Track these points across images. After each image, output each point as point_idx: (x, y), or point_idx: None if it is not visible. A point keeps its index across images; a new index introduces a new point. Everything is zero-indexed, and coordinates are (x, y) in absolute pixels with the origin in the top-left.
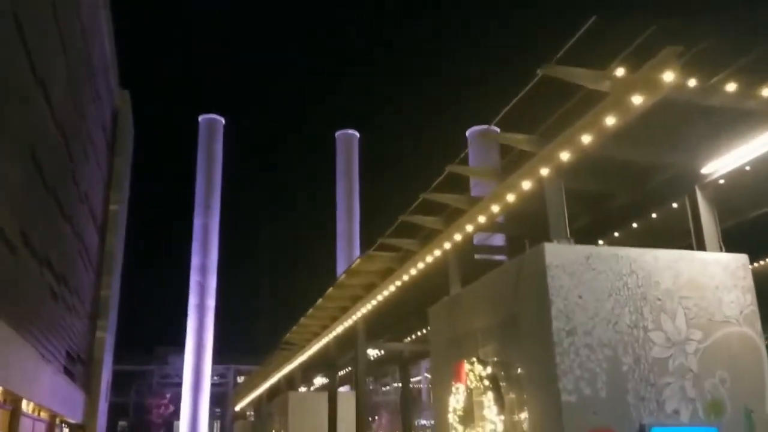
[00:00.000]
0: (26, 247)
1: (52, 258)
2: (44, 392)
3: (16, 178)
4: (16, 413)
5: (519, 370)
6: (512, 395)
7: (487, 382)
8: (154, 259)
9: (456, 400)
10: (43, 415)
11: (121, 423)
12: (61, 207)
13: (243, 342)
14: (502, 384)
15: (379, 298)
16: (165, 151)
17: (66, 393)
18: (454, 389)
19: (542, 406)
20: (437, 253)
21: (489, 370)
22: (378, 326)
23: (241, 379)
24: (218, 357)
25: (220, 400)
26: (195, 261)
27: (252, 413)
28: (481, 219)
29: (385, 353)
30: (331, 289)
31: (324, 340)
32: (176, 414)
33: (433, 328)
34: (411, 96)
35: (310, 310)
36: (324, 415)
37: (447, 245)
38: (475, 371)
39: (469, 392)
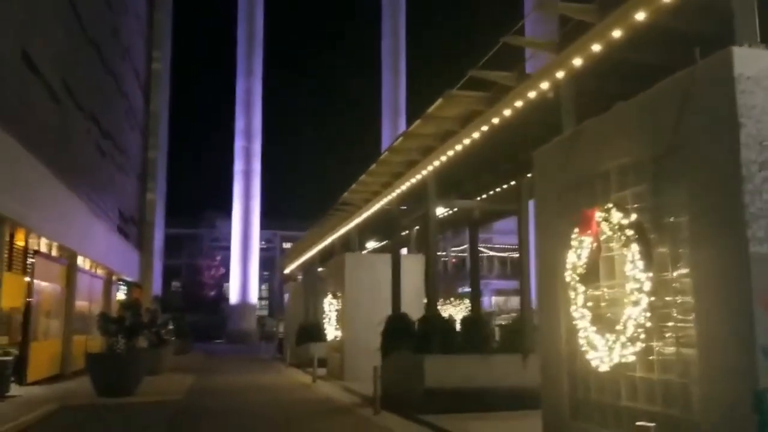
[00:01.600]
0: (70, 98)
1: (97, 113)
2: (99, 249)
3: (55, 27)
4: (72, 268)
5: (672, 218)
6: (662, 249)
7: (630, 232)
8: (198, 123)
9: (577, 256)
10: (100, 272)
11: (175, 284)
12: (102, 59)
13: (289, 208)
14: (650, 236)
15: (458, 147)
16: (205, 11)
17: (121, 251)
18: (575, 243)
19: (716, 260)
20: (544, 85)
21: (633, 217)
22: (448, 183)
23: (287, 245)
24: (265, 222)
25: (268, 264)
26: (239, 125)
27: (302, 276)
28: (616, 33)
29: (450, 214)
30: (399, 140)
31: (386, 199)
32: (226, 276)
33: (540, 175)
34: None
35: (373, 166)
36: (382, 276)
37: (559, 74)
38: (611, 220)
39: (596, 246)
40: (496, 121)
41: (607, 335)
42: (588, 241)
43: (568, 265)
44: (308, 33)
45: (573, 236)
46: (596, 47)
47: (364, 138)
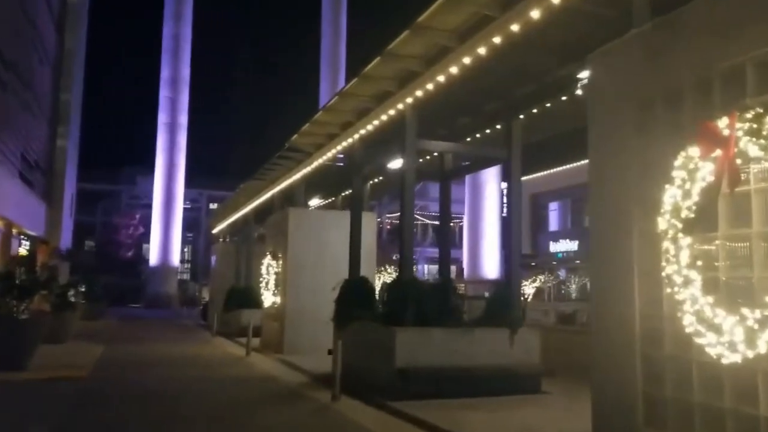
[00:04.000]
0: None
1: None
2: None
3: None
4: None
5: None
6: None
7: None
8: (120, 69)
9: (682, 193)
10: None
11: (88, 243)
12: None
13: (217, 167)
14: None
15: (453, 70)
16: None
17: (22, 200)
18: (680, 173)
19: None
20: None
21: None
22: (428, 122)
23: (214, 206)
24: (190, 180)
25: (192, 224)
26: (164, 73)
27: (233, 236)
28: None
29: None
30: (373, 63)
31: (345, 142)
32: (146, 236)
33: (600, 87)
34: None
35: (334, 100)
36: (331, 236)
37: None
38: (764, 128)
39: (724, 175)
40: (515, 28)
41: (745, 311)
42: (706, 168)
43: (666, 207)
44: None
45: (678, 162)
46: None
47: (300, 95)
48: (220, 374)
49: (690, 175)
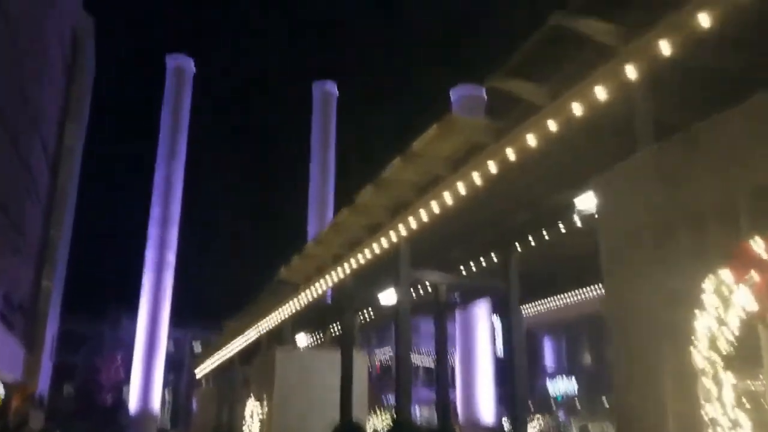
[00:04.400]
0: None
1: None
2: None
3: None
4: None
5: None
6: None
7: None
8: (110, 209)
9: (718, 322)
10: None
11: (68, 387)
12: (2, 119)
13: (202, 306)
14: None
15: (447, 198)
16: (128, 91)
17: (1, 344)
18: (714, 300)
19: None
20: (600, 91)
21: None
22: (421, 253)
23: (197, 346)
24: (174, 320)
25: (174, 366)
26: (155, 212)
27: (215, 380)
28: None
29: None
30: (367, 190)
31: (335, 274)
32: (127, 379)
33: (610, 209)
34: (394, 50)
35: (325, 230)
36: (319, 377)
37: (630, 69)
38: None
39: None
40: (511, 154)
41: None
42: (741, 293)
43: (701, 338)
44: (238, 116)
45: (708, 287)
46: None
47: (289, 234)
48: None
49: (723, 300)
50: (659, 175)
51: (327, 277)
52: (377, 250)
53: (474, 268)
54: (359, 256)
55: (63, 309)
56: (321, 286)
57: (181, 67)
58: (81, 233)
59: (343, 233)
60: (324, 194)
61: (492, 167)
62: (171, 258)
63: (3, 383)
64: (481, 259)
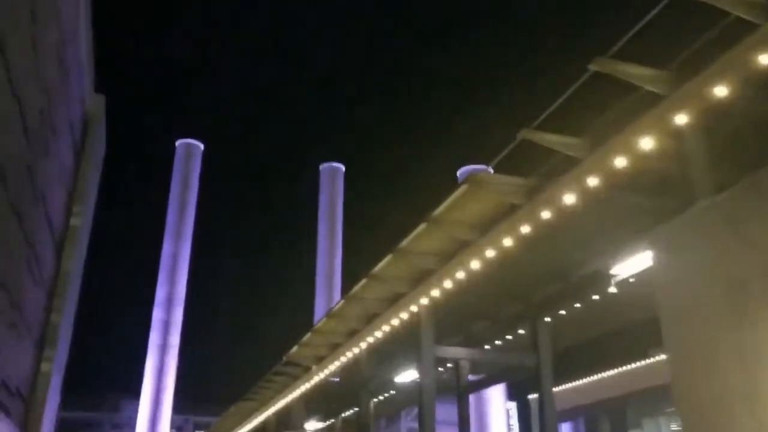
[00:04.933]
0: None
1: None
2: None
3: None
4: None
5: None
6: None
7: None
8: (115, 291)
9: None
10: None
11: None
12: (8, 196)
13: (205, 391)
14: None
15: (474, 265)
16: (137, 172)
17: None
18: None
19: None
20: (646, 141)
21: None
22: (442, 328)
23: None
24: (176, 406)
25: None
26: (160, 294)
27: None
28: None
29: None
30: (386, 260)
31: (350, 353)
32: None
33: (680, 263)
34: (400, 132)
35: (339, 305)
36: None
37: (680, 117)
38: None
39: None
40: (545, 214)
41: None
42: None
43: None
44: (247, 199)
45: None
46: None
47: (296, 320)
48: None
49: None
50: (728, 225)
51: (341, 354)
52: (396, 323)
53: (499, 343)
54: (376, 331)
55: (63, 395)
56: (333, 365)
57: (191, 150)
58: (84, 314)
59: (358, 306)
60: (331, 272)
61: (524, 229)
62: (175, 340)
63: None
64: (508, 335)
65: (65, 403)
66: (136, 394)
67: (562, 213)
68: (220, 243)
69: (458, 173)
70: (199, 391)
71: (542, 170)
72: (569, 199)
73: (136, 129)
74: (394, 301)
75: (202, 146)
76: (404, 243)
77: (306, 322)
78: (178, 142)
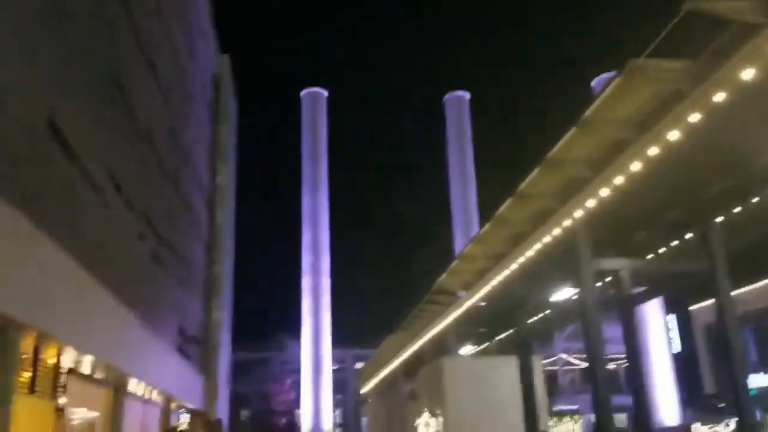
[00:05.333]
0: (118, 194)
1: (153, 217)
2: (154, 370)
3: (93, 101)
4: (119, 392)
5: None
6: None
7: None
8: (263, 240)
9: None
10: (156, 397)
11: (244, 413)
12: (160, 161)
13: (360, 326)
14: None
15: (635, 166)
16: (267, 125)
17: (181, 374)
18: None
19: None
20: None
21: None
22: (596, 242)
23: (360, 365)
24: (335, 341)
25: (340, 386)
26: (305, 240)
27: (382, 396)
28: None
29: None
30: (534, 173)
31: (501, 275)
32: (297, 401)
33: None
34: (525, 50)
35: (486, 227)
36: (493, 385)
37: None
38: None
39: None
40: (695, 117)
41: None
42: None
43: None
44: (373, 143)
45: None
46: None
47: (435, 249)
48: None
49: None
50: None
51: (490, 279)
52: (548, 240)
53: (663, 251)
54: (527, 252)
55: (232, 339)
56: (484, 290)
57: (316, 98)
58: (240, 264)
59: (505, 228)
60: (466, 202)
61: (693, 118)
62: (326, 283)
63: (187, 410)
64: (672, 240)
65: (236, 346)
66: (299, 332)
67: (739, 92)
68: (358, 188)
69: (593, 84)
70: (356, 326)
71: (710, 48)
72: (748, 74)
73: (262, 83)
74: (545, 217)
75: (326, 94)
76: (553, 152)
77: (447, 254)
78: (303, 93)
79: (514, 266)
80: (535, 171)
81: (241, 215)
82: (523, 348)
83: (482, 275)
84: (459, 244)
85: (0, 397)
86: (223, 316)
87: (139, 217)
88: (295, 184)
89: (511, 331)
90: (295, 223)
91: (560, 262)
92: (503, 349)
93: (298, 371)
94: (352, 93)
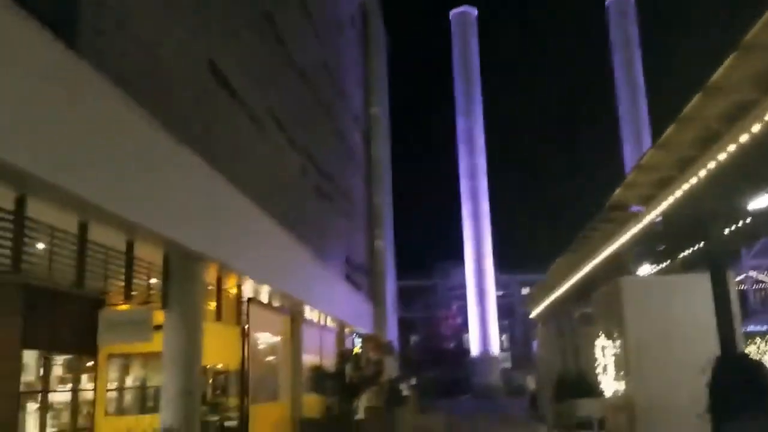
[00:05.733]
0: (279, 130)
1: (314, 151)
2: (326, 298)
3: (253, 42)
4: (297, 320)
5: None
6: None
7: None
8: (419, 168)
9: None
10: (330, 323)
11: (413, 338)
12: (316, 95)
13: (523, 251)
14: None
15: None
16: (417, 50)
17: (351, 301)
18: None
19: None
20: None
21: None
22: None
23: (525, 290)
24: (500, 268)
25: (506, 311)
26: (462, 165)
27: (552, 319)
28: None
29: None
30: (729, 60)
31: (685, 186)
32: (464, 327)
33: None
34: None
35: (670, 129)
36: (678, 307)
37: None
38: None
39: None
40: None
41: None
42: None
43: None
44: (527, 62)
45: None
46: None
47: (601, 166)
48: None
49: None
50: None
51: (674, 190)
52: (745, 140)
53: None
54: (719, 154)
55: (396, 267)
56: (664, 203)
57: (465, 18)
58: (398, 193)
59: (690, 129)
60: (636, 114)
61: None
62: (485, 207)
63: (359, 335)
64: None
65: (401, 275)
66: (461, 259)
67: None
68: (512, 109)
69: None
70: (519, 251)
71: None
72: None
73: (409, 5)
74: (742, 112)
75: (475, 12)
76: (751, 33)
77: (617, 170)
78: (452, 13)
79: (703, 173)
80: (729, 58)
81: (396, 144)
82: (716, 263)
83: (665, 186)
84: (629, 158)
85: (191, 324)
86: (387, 245)
87: (300, 152)
88: (449, 109)
89: (697, 247)
90: (452, 148)
91: (760, 163)
92: (687, 266)
93: (463, 297)
94: (503, 9)
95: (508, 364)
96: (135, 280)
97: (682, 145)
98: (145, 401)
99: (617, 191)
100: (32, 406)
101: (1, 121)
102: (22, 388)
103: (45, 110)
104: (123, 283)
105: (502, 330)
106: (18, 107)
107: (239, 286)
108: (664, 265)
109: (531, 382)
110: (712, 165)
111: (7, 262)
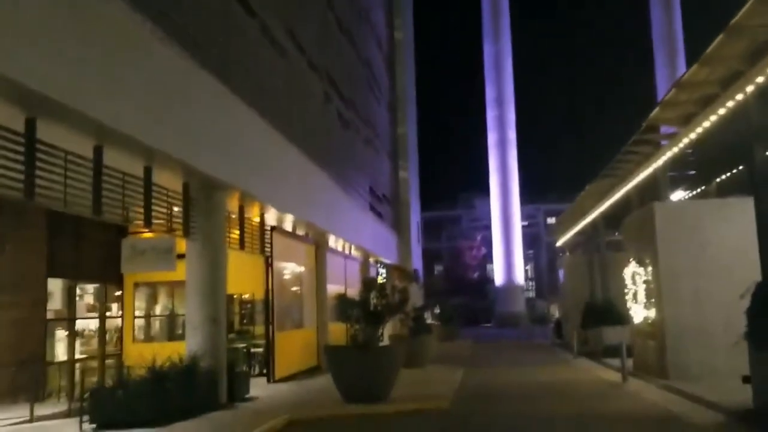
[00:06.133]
0: (301, 54)
1: (336, 77)
2: (350, 227)
3: None
4: (321, 248)
5: None
6: None
7: None
8: (445, 97)
9: None
10: (355, 253)
11: (437, 268)
12: (337, 18)
13: (549, 181)
14: None
15: None
16: None
17: (375, 231)
18: None
19: None
20: None
21: None
22: None
23: (551, 220)
24: (525, 197)
25: (532, 241)
26: (489, 93)
27: (579, 247)
28: None
29: None
30: None
31: (730, 103)
32: (489, 257)
33: None
34: None
35: (717, 41)
36: (712, 232)
37: None
38: None
39: None
40: None
41: None
42: None
43: None
44: None
45: None
46: None
47: (631, 93)
48: (603, 409)
49: None
50: None
51: (717, 109)
52: None
53: None
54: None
55: (421, 198)
56: (706, 123)
57: None
58: (424, 123)
59: (740, 41)
60: (671, 35)
61: None
62: (512, 136)
63: (383, 265)
64: None
65: (425, 205)
66: (486, 190)
67: None
68: (541, 35)
69: None
70: (545, 181)
71: None
72: None
73: None
74: None
75: None
76: None
77: (649, 95)
78: None
79: (750, 88)
80: None
81: (421, 72)
82: (760, 186)
83: (706, 104)
84: (662, 83)
85: (214, 252)
86: (411, 175)
87: (321, 77)
88: (476, 36)
89: (736, 170)
90: (479, 76)
91: None
92: (725, 191)
93: (488, 228)
94: None
95: (532, 294)
96: (156, 208)
97: (727, 58)
98: (174, 329)
99: (655, 111)
100: (61, 334)
101: (15, 43)
102: (50, 315)
103: (58, 31)
104: (142, 211)
105: (526, 260)
106: (32, 29)
107: (262, 215)
108: (699, 189)
109: (555, 311)
110: (761, 79)
111: (19, 186)
